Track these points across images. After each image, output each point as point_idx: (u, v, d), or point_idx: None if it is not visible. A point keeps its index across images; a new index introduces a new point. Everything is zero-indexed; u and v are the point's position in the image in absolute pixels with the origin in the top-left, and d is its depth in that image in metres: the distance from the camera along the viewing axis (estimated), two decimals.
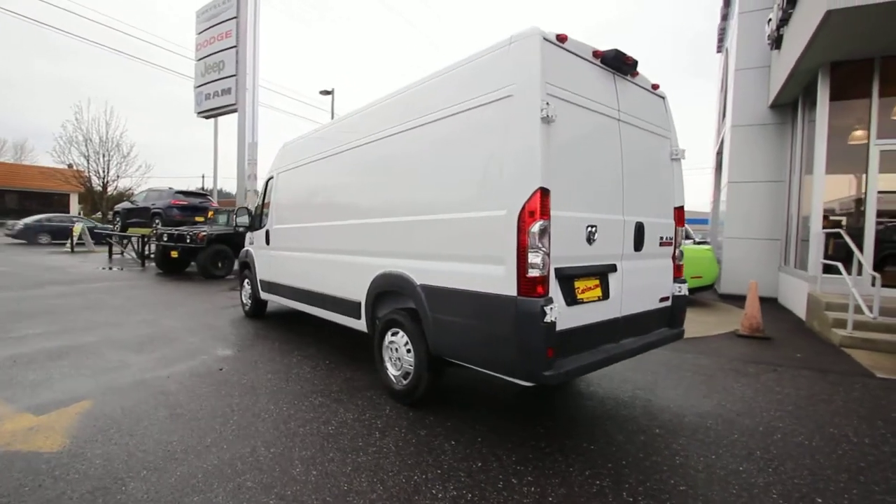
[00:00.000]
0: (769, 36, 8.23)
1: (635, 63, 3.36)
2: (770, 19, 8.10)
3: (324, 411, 3.52)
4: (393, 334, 3.75)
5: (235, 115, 18.07)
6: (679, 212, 3.94)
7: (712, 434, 3.25)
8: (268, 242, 6.21)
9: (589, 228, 3.00)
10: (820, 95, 7.01)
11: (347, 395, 3.87)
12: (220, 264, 11.88)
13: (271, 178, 6.39)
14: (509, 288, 2.72)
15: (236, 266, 9.46)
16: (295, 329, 6.37)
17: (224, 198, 32.66)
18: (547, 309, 2.61)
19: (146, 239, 14.85)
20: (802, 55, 6.53)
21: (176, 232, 12.00)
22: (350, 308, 4.32)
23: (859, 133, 6.96)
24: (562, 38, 2.90)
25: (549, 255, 2.66)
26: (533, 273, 2.64)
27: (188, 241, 11.56)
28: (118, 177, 31.47)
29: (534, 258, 2.63)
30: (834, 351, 5.53)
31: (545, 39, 2.78)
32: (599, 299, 3.12)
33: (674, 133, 3.96)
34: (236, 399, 3.73)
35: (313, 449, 2.92)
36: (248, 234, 7.01)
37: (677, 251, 3.90)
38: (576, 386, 4.19)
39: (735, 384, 4.33)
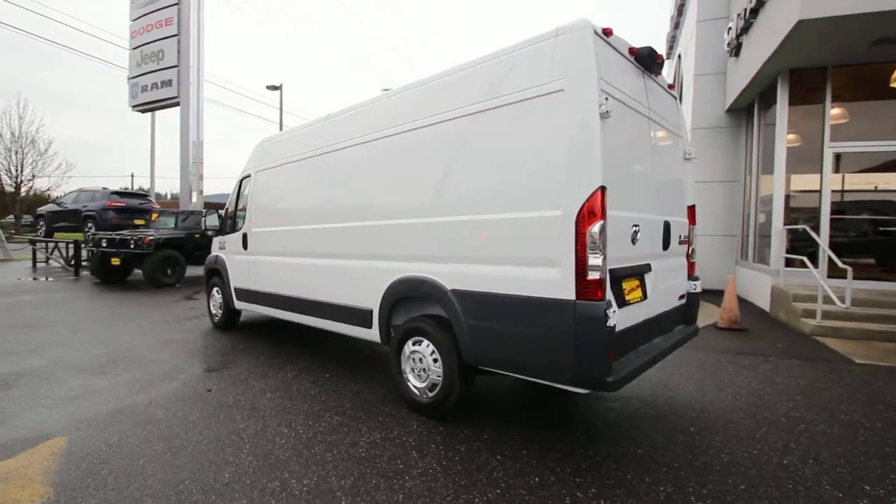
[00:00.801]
0: (728, 44, 8.72)
1: (663, 62, 3.35)
2: (730, 28, 8.59)
3: (346, 431, 3.21)
4: (415, 343, 3.50)
5: (176, 109, 16.75)
6: (691, 210, 4.00)
7: (743, 429, 3.30)
8: (245, 247, 5.69)
9: (633, 228, 2.94)
10: (780, 100, 7.51)
11: (364, 411, 3.58)
12: (169, 271, 10.90)
13: (246, 177, 5.88)
14: (566, 291, 2.58)
15: (196, 272, 8.68)
16: (275, 339, 5.90)
17: (159, 200, 30.29)
18: (609, 312, 2.50)
19: (80, 245, 13.35)
20: (767, 62, 6.95)
21: (118, 237, 10.86)
22: (358, 317, 4.01)
23: (813, 136, 7.51)
24: (607, 32, 2.81)
25: (606, 256, 2.55)
26: (592, 275, 2.52)
27: (133, 246, 10.50)
28: (34, 176, 28.33)
29: (593, 260, 2.52)
30: (807, 340, 5.91)
31: (594, 33, 2.68)
32: (640, 300, 3.06)
33: (685, 133, 4.01)
34: (240, 424, 3.32)
35: (352, 476, 2.63)
36: (218, 239, 6.42)
37: (690, 249, 3.95)
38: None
39: (739, 377, 4.48)
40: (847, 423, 3.44)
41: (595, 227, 2.51)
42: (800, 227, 7.24)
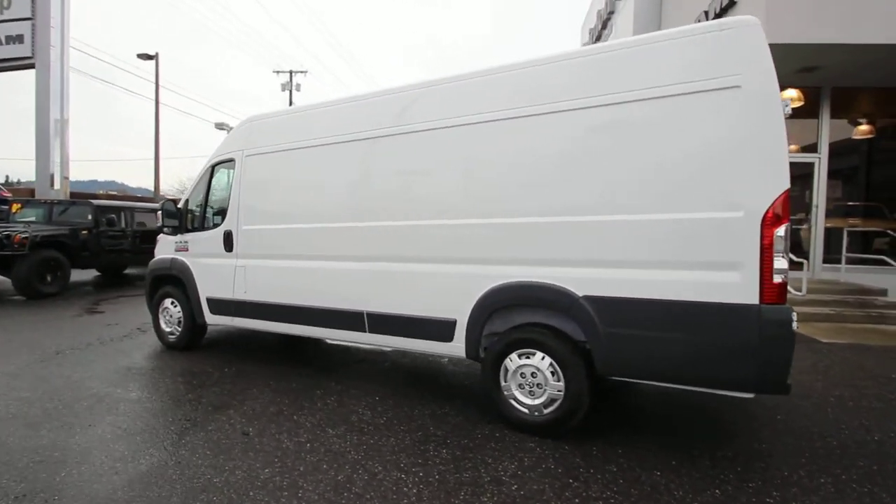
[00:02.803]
0: None
1: None
2: None
3: (469, 466, 2.74)
4: (523, 357, 3.14)
5: (30, 73, 13.24)
6: None
7: (816, 421, 3.56)
8: (229, 249, 4.63)
9: None
10: None
11: (464, 437, 3.11)
12: (49, 277, 8.57)
13: (224, 162, 4.79)
14: (747, 296, 2.50)
15: (81, 277, 6.98)
16: (263, 357, 4.96)
17: (8, 187, 23.92)
18: (794, 316, 2.48)
19: None
20: None
21: None
22: (432, 329, 3.48)
23: None
24: None
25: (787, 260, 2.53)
26: (778, 279, 2.47)
27: None
28: None
29: (779, 263, 2.47)
30: None
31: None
32: None
33: None
34: (335, 474, 2.64)
35: None
36: (175, 239, 5.14)
37: None
38: (637, 387, 4.16)
39: None
40: (880, 398, 3.93)
41: (780, 230, 2.46)
42: None
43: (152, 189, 22.14)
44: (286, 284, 4.25)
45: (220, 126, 26.96)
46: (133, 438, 3.07)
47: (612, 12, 12.20)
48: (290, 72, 31.13)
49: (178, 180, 34.20)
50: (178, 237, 5.10)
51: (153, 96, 20.89)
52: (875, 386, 4.23)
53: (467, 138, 3.33)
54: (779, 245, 2.46)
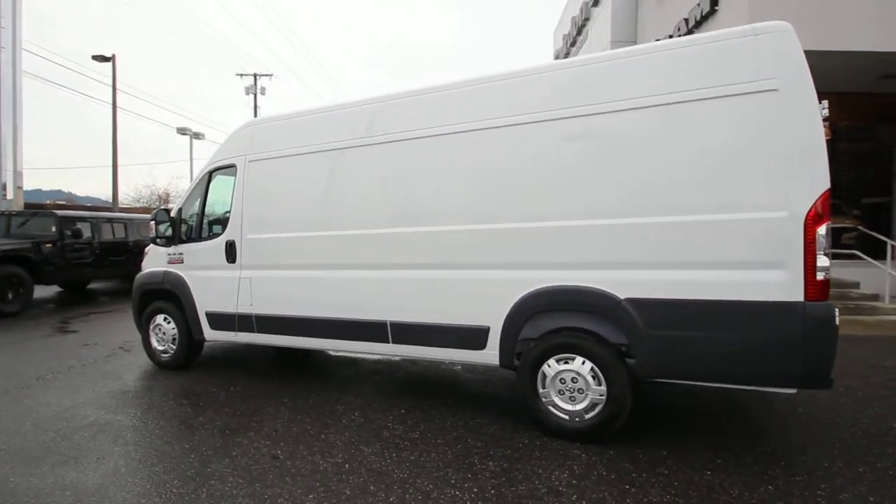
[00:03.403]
0: None
1: None
2: None
3: (521, 478, 2.66)
4: (562, 362, 3.11)
5: None
6: None
7: (835, 411, 3.70)
8: (232, 260, 4.38)
9: None
10: None
11: (506, 447, 3.03)
12: (10, 295, 7.91)
13: (223, 168, 4.54)
14: (793, 293, 2.55)
15: (44, 293, 6.56)
16: (266, 371, 4.73)
17: None
18: (836, 311, 2.56)
19: None
20: None
21: None
22: (463, 337, 3.39)
23: None
24: None
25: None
26: (821, 276, 2.54)
27: None
28: None
29: (822, 261, 2.53)
30: None
31: None
32: None
33: None
34: (385, 494, 2.51)
35: None
36: (168, 251, 4.82)
37: None
38: (672, 387, 4.22)
39: None
40: None
41: (822, 229, 2.53)
42: None
43: (103, 198, 20.92)
44: (299, 296, 4.05)
45: (182, 131, 25.91)
46: (152, 470, 2.82)
47: (587, 19, 12.50)
48: (255, 75, 30.26)
49: (135, 188, 32.50)
50: (172, 249, 4.78)
51: (100, 98, 19.79)
52: (875, 374, 4.45)
53: (513, 138, 3.25)
54: (821, 243, 2.53)
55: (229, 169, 4.49)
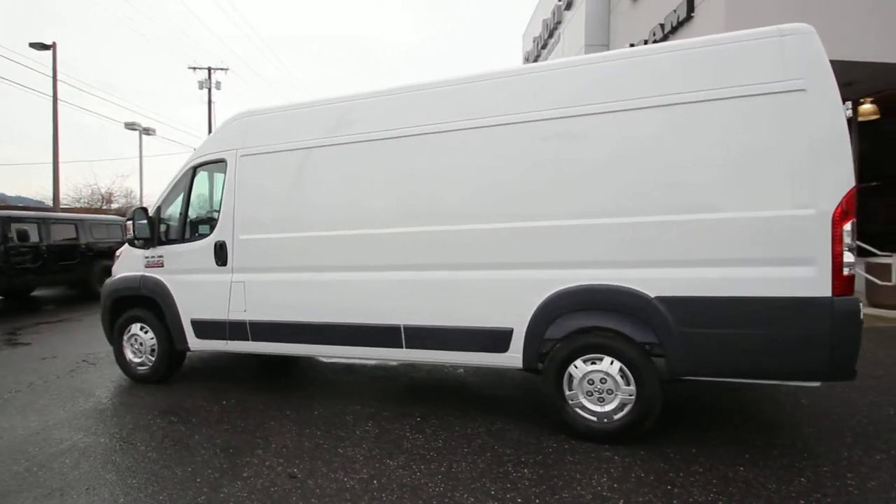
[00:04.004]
0: None
1: None
2: None
3: (559, 484, 2.58)
4: (589, 362, 3.05)
5: None
6: None
7: (835, 401, 3.85)
8: (222, 262, 4.05)
9: None
10: None
11: (536, 453, 2.94)
12: None
13: (211, 163, 4.20)
14: (821, 289, 2.61)
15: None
16: (259, 382, 4.45)
17: None
18: (861, 305, 2.64)
19: None
20: None
21: None
22: (485, 340, 3.28)
23: None
24: None
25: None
26: (846, 271, 2.61)
27: None
28: None
29: (848, 257, 2.61)
30: None
31: None
32: None
33: None
34: None
35: None
36: (145, 253, 4.39)
37: None
38: (697, 385, 4.23)
39: None
40: None
41: (848, 226, 2.60)
42: None
43: (37, 198, 19.24)
44: (303, 300, 3.79)
45: (131, 126, 24.24)
46: (155, 499, 2.53)
47: (559, 22, 12.71)
48: (209, 69, 28.88)
49: (75, 187, 30.14)
50: (150, 251, 4.37)
51: (33, 88, 18.24)
52: (864, 364, 4.69)
53: (513, 139, 3.18)
54: (847, 239, 2.61)
55: (218, 164, 4.15)
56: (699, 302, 2.82)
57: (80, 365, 5.14)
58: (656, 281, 2.90)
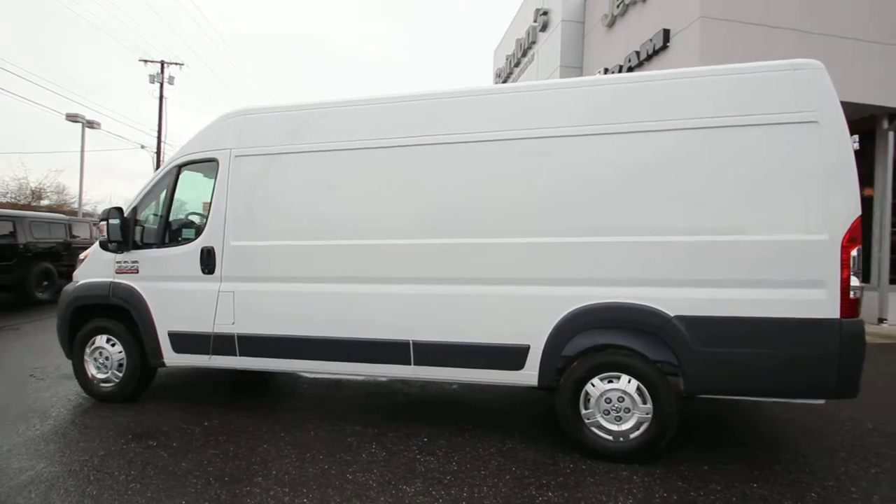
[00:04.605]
0: None
1: None
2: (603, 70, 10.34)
3: None
4: (606, 381, 3.04)
5: None
6: None
7: (818, 416, 4.04)
8: (209, 270, 3.73)
9: None
10: None
11: (554, 474, 2.88)
12: None
13: (199, 162, 3.89)
14: (831, 311, 2.74)
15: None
16: (239, 400, 4.13)
17: None
18: (864, 326, 2.79)
19: None
20: None
21: None
22: (500, 357, 3.19)
23: None
24: None
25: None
26: (853, 295, 2.76)
27: None
28: None
29: (854, 280, 2.75)
30: None
31: None
32: None
33: None
34: None
35: None
36: (117, 258, 3.97)
37: None
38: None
39: None
40: None
41: (855, 251, 2.76)
42: None
43: None
44: (301, 313, 3.55)
45: (73, 117, 22.37)
46: None
47: (533, 42, 13.04)
48: (162, 62, 27.34)
49: (1, 182, 27.36)
50: (123, 256, 3.97)
51: None
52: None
53: (571, 150, 3.16)
54: (854, 264, 2.76)
55: (208, 164, 3.85)
56: (717, 321, 2.88)
57: (27, 381, 4.57)
58: (675, 300, 2.94)
